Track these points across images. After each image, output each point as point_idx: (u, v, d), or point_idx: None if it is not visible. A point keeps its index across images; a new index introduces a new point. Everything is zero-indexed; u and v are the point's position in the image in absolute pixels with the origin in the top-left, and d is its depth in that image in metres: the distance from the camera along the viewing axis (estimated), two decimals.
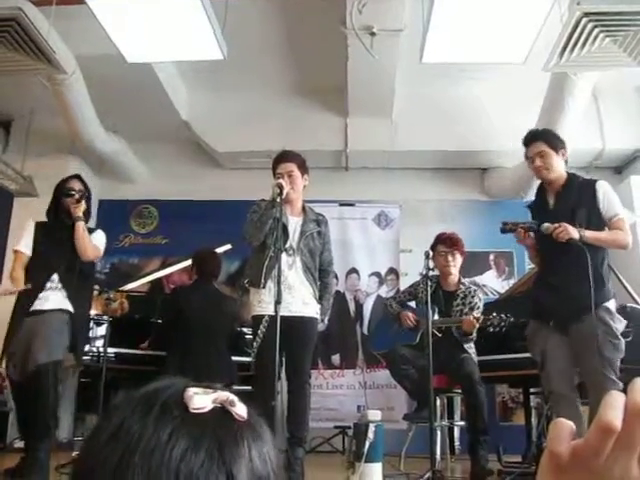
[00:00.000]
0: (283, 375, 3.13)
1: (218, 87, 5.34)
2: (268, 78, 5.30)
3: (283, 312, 2.79)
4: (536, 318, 2.86)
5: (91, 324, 4.26)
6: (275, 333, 2.69)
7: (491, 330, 3.41)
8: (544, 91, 4.37)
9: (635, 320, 2.96)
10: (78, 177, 3.36)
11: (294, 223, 3.22)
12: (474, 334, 3.55)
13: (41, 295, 3.05)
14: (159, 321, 4.28)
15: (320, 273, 3.29)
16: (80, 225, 3.16)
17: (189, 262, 4.31)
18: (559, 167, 2.86)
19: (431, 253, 3.46)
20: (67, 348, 3.04)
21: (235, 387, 3.68)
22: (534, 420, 3.89)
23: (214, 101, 5.46)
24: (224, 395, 0.49)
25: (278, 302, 2.72)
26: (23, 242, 3.20)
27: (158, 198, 5.99)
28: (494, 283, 5.67)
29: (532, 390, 3.93)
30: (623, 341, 2.65)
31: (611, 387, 2.50)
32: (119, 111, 5.14)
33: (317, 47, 4.68)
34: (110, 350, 4.01)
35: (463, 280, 3.85)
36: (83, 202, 3.19)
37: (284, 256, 3.03)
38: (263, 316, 3.00)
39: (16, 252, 3.20)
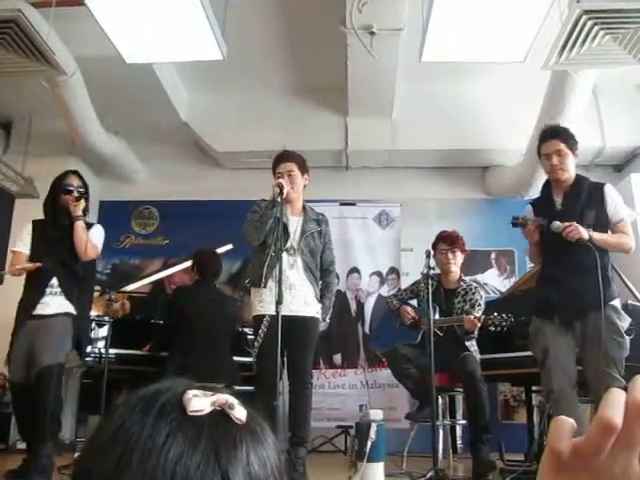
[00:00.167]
0: (285, 375, 3.13)
1: (218, 87, 5.34)
2: (268, 78, 5.30)
3: (284, 312, 2.80)
4: (540, 315, 2.85)
5: (92, 325, 4.27)
6: (276, 333, 2.69)
7: (492, 330, 3.41)
8: (544, 89, 4.36)
9: (636, 318, 2.96)
10: (76, 173, 3.29)
11: (295, 223, 3.22)
12: (476, 332, 3.55)
13: (42, 300, 3.03)
14: (161, 322, 4.28)
15: (322, 273, 3.30)
16: (79, 225, 3.11)
17: (190, 262, 4.31)
18: (572, 168, 2.87)
19: (432, 252, 3.46)
20: (70, 350, 3.04)
21: (237, 387, 3.68)
22: (536, 418, 3.88)
23: (214, 101, 5.46)
24: (223, 398, 0.49)
25: (279, 302, 2.73)
26: (21, 243, 3.16)
27: (159, 199, 5.99)
28: (495, 282, 5.66)
29: (534, 388, 3.92)
30: (628, 339, 2.67)
31: (614, 385, 2.51)
32: (119, 112, 5.15)
33: (317, 47, 4.68)
34: (112, 351, 4.02)
35: (464, 278, 3.85)
36: (82, 201, 3.16)
37: (285, 256, 3.03)
38: (264, 316, 3.00)
39: (14, 252, 3.17)
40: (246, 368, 4.03)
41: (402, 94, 5.06)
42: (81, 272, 3.17)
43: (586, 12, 3.04)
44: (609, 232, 2.80)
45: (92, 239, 3.19)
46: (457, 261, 3.80)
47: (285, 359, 3.08)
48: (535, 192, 4.26)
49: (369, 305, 5.41)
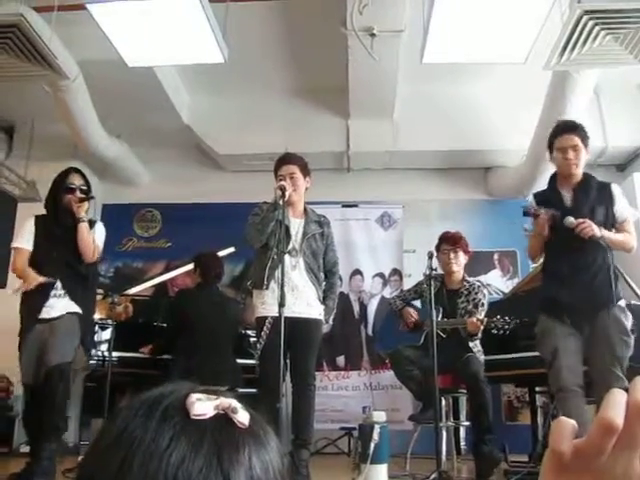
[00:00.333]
0: (288, 377, 3.13)
1: (219, 90, 5.35)
2: (269, 80, 5.31)
3: (287, 313, 2.80)
4: (548, 315, 2.83)
5: (96, 328, 4.28)
6: (279, 335, 2.69)
7: (494, 332, 3.42)
8: (545, 90, 4.36)
9: (638, 318, 2.96)
10: (79, 171, 3.24)
11: (296, 225, 3.23)
12: (479, 334, 3.54)
13: (47, 304, 3.02)
14: (164, 325, 4.28)
15: (325, 274, 3.31)
16: (84, 227, 3.08)
17: (192, 265, 4.32)
18: (583, 164, 2.87)
19: (435, 253, 3.46)
20: (77, 346, 3.03)
21: (240, 390, 3.68)
22: (540, 419, 3.88)
23: (216, 104, 5.47)
24: (227, 402, 0.49)
25: (282, 305, 2.73)
26: (23, 239, 3.11)
27: (161, 202, 6.00)
28: (498, 282, 5.65)
29: (538, 389, 3.92)
30: (633, 338, 2.69)
31: (617, 384, 2.52)
32: (121, 116, 5.16)
33: (318, 49, 4.68)
34: (115, 354, 4.02)
35: (467, 278, 3.85)
36: (86, 203, 3.13)
37: (287, 257, 3.04)
38: (267, 317, 3.00)
39: (17, 249, 3.11)
40: (249, 370, 4.03)
41: (403, 95, 5.06)
42: (84, 272, 3.16)
43: (587, 12, 3.04)
44: (613, 231, 2.82)
45: (95, 239, 3.16)
46: (459, 261, 3.79)
47: (288, 361, 3.09)
48: (547, 185, 4.24)
49: (372, 307, 5.41)
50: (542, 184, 4.88)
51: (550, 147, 2.93)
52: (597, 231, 2.66)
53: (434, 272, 3.37)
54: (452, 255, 3.78)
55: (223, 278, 4.34)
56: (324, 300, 3.24)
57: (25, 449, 3.72)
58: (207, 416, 0.47)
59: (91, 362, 4.10)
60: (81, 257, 3.10)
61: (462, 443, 4.37)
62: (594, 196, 2.83)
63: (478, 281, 3.92)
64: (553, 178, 3.00)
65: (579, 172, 2.86)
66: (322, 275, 3.28)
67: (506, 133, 5.28)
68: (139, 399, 0.50)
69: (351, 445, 4.66)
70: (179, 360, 3.75)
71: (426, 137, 5.41)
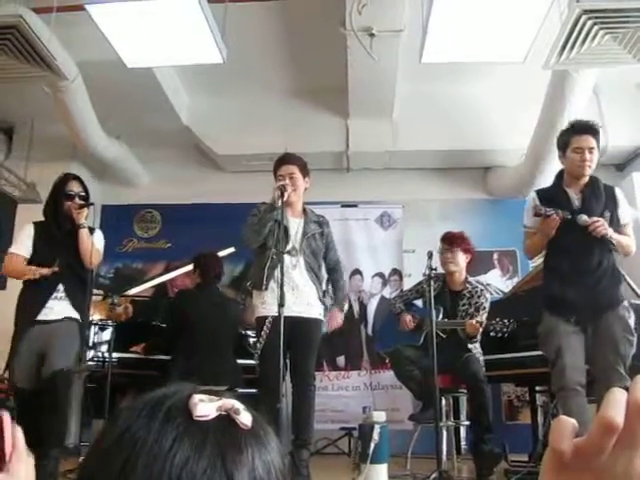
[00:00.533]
0: (288, 377, 3.13)
1: (218, 91, 5.35)
2: (268, 81, 5.31)
3: (287, 312, 2.81)
4: (553, 314, 2.84)
5: (96, 329, 4.28)
6: (279, 335, 2.69)
7: (492, 335, 3.42)
8: (545, 89, 4.36)
9: (638, 317, 2.97)
10: (77, 178, 3.26)
11: (295, 224, 3.24)
12: (478, 336, 3.54)
13: (47, 305, 3.00)
14: (163, 325, 4.28)
15: (329, 272, 3.36)
16: (85, 232, 3.10)
17: (192, 264, 4.31)
18: (595, 167, 2.89)
19: (434, 253, 3.46)
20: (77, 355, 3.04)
21: (240, 390, 3.68)
22: (540, 419, 3.88)
23: (215, 105, 5.47)
24: (229, 403, 0.49)
25: (281, 305, 2.73)
26: (21, 245, 3.10)
27: (161, 202, 6.00)
28: (498, 282, 5.65)
29: (538, 388, 3.92)
30: (636, 337, 2.72)
31: (620, 383, 2.54)
32: (120, 116, 5.16)
33: (317, 49, 4.68)
34: (115, 355, 4.02)
35: (470, 279, 3.83)
36: (86, 209, 3.13)
37: (287, 257, 3.04)
38: (267, 317, 3.01)
39: (10, 254, 3.09)
40: (249, 371, 4.03)
41: (402, 95, 5.06)
42: (85, 277, 3.17)
43: (586, 12, 3.04)
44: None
45: (96, 245, 3.17)
46: (457, 261, 3.77)
47: (288, 361, 3.09)
48: (552, 183, 4.24)
49: (372, 307, 5.41)
50: (542, 183, 4.90)
51: (563, 146, 2.91)
52: (609, 231, 2.70)
53: (436, 272, 3.37)
54: (449, 255, 3.78)
55: (223, 278, 4.34)
56: (334, 292, 3.27)
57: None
58: (210, 417, 0.47)
59: (91, 363, 4.11)
60: (82, 262, 3.10)
61: (462, 443, 4.37)
62: (602, 199, 2.86)
63: (480, 283, 3.91)
64: (559, 176, 3.00)
65: (589, 174, 2.88)
66: (323, 274, 3.29)
67: (505, 133, 5.28)
68: (141, 400, 0.50)
69: (351, 445, 4.66)
70: (179, 360, 3.75)
71: (425, 137, 5.41)
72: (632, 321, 2.74)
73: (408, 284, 4.90)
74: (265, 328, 3.00)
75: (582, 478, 0.37)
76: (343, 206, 5.60)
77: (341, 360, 5.29)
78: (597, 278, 2.76)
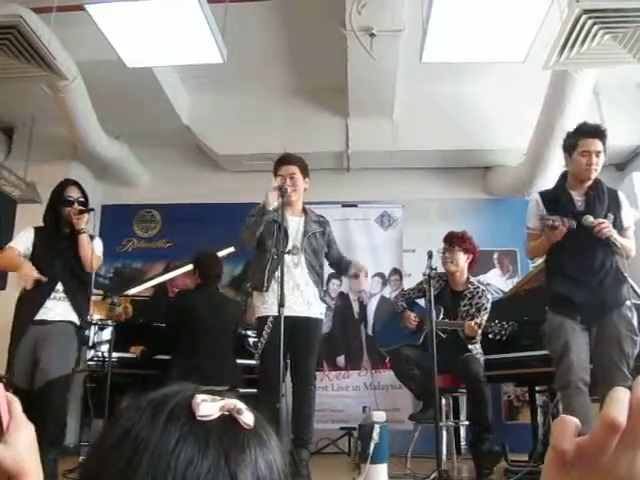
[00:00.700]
0: (288, 377, 3.13)
1: (219, 91, 5.35)
2: (268, 81, 5.31)
3: (287, 312, 2.81)
4: (558, 311, 2.85)
5: (95, 329, 4.27)
6: (279, 334, 2.70)
7: (490, 337, 3.42)
8: (545, 89, 4.36)
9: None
10: (76, 183, 3.27)
11: (295, 223, 3.24)
12: (478, 337, 3.54)
13: (45, 304, 3.00)
14: (163, 325, 4.28)
15: (335, 266, 3.41)
16: (85, 238, 3.11)
17: (192, 264, 4.31)
18: (600, 170, 2.89)
19: (434, 253, 3.46)
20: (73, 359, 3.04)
21: (240, 390, 3.68)
22: (540, 418, 3.88)
23: (215, 104, 5.47)
24: (232, 403, 0.49)
25: (281, 305, 2.74)
26: (20, 242, 3.09)
27: (161, 202, 6.00)
28: (498, 282, 5.65)
29: (538, 388, 3.92)
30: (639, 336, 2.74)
31: (622, 382, 2.55)
32: (120, 116, 5.16)
33: (317, 49, 4.68)
34: (115, 355, 4.02)
35: (472, 280, 3.83)
36: (85, 215, 3.13)
37: (288, 256, 3.05)
38: (268, 317, 3.01)
39: (8, 247, 3.08)
40: (249, 371, 4.03)
41: (402, 95, 5.07)
42: (86, 280, 3.19)
43: (586, 12, 3.04)
44: None
45: (96, 252, 3.18)
46: (456, 261, 3.76)
47: (289, 361, 3.09)
48: (536, 192, 4.24)
49: (372, 306, 5.40)
50: (542, 183, 4.92)
51: (570, 148, 2.91)
52: (614, 233, 2.72)
53: (437, 271, 3.37)
54: (448, 255, 3.77)
55: (223, 278, 4.34)
56: (347, 264, 3.41)
57: None
58: (213, 417, 0.47)
59: (90, 363, 4.11)
60: (79, 266, 3.11)
61: (462, 443, 4.37)
62: (606, 202, 2.88)
63: (481, 283, 3.90)
64: (563, 178, 3.00)
65: (594, 177, 2.89)
66: (324, 273, 3.30)
67: (505, 132, 5.28)
68: (143, 400, 0.50)
69: (351, 445, 4.65)
70: (178, 360, 3.74)
71: (425, 136, 5.41)
72: (636, 321, 2.76)
73: (408, 284, 4.90)
74: (266, 328, 3.00)
75: (584, 477, 0.37)
76: (343, 206, 5.60)
77: (341, 360, 5.29)
78: (600, 279, 2.78)
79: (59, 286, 3.06)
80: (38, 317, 2.98)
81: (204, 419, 0.47)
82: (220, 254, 4.53)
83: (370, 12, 3.69)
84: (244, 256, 5.21)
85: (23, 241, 3.12)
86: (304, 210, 3.34)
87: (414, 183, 5.87)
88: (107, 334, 4.23)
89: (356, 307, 5.42)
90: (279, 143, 4.77)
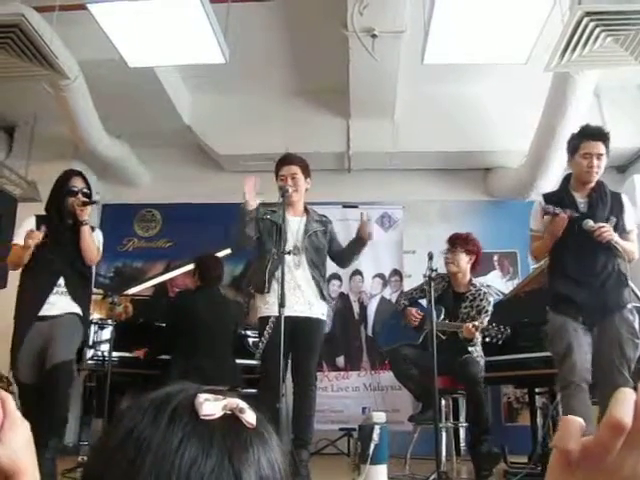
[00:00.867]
0: (288, 377, 3.13)
1: (220, 91, 5.35)
2: (270, 81, 5.31)
3: (289, 312, 2.82)
4: (560, 312, 2.85)
5: (96, 328, 4.27)
6: (280, 335, 2.70)
7: (487, 340, 3.43)
8: (546, 91, 4.36)
9: None
10: (80, 174, 3.23)
11: (296, 223, 3.25)
12: (477, 340, 3.54)
13: (48, 300, 2.99)
14: (163, 325, 4.28)
15: (337, 256, 3.40)
16: (87, 229, 3.09)
17: (192, 266, 4.31)
18: (602, 172, 2.89)
19: (434, 254, 3.45)
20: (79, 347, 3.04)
21: (241, 390, 3.68)
22: (540, 420, 3.87)
23: (216, 105, 5.47)
24: (234, 402, 0.49)
25: (282, 305, 2.74)
26: (23, 236, 3.03)
27: (161, 202, 6.00)
28: (498, 283, 5.65)
29: (538, 390, 3.92)
30: None
31: (623, 384, 2.54)
32: (122, 116, 5.16)
33: (319, 49, 4.68)
34: (115, 354, 4.02)
35: (474, 281, 3.82)
36: (89, 207, 3.11)
37: (288, 257, 3.05)
38: (269, 317, 3.01)
39: (17, 246, 3.03)
40: (249, 371, 4.03)
41: (404, 96, 5.07)
42: (87, 274, 3.17)
43: (588, 14, 3.04)
44: None
45: (96, 243, 3.17)
46: (458, 262, 3.75)
47: (290, 361, 3.09)
48: (537, 194, 4.25)
49: (372, 307, 5.41)
50: (542, 185, 4.92)
51: (572, 150, 2.91)
52: (615, 236, 2.72)
53: (438, 272, 3.37)
54: (450, 255, 3.77)
55: (223, 278, 4.33)
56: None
57: None
58: (215, 416, 0.47)
59: (90, 362, 4.11)
60: (83, 258, 3.10)
61: (462, 444, 4.37)
62: (608, 204, 2.87)
63: (484, 286, 3.89)
64: (566, 180, 3.01)
65: (596, 179, 2.89)
66: (326, 272, 3.30)
67: (506, 134, 5.28)
68: (145, 399, 0.50)
69: (351, 446, 4.65)
70: (178, 360, 3.74)
71: (427, 138, 5.41)
72: (637, 324, 2.76)
73: (408, 285, 4.90)
74: (267, 328, 3.00)
75: (589, 478, 0.37)
76: (344, 206, 5.60)
77: (341, 361, 5.29)
78: (602, 280, 2.79)
79: (61, 281, 3.04)
80: (42, 313, 2.97)
81: (207, 418, 0.47)
82: (217, 255, 4.52)
83: (372, 13, 3.69)
84: (244, 256, 5.21)
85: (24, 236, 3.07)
86: (306, 210, 3.34)
87: (415, 184, 5.87)
88: (107, 333, 4.23)
89: (356, 308, 5.42)
90: (280, 143, 4.76)
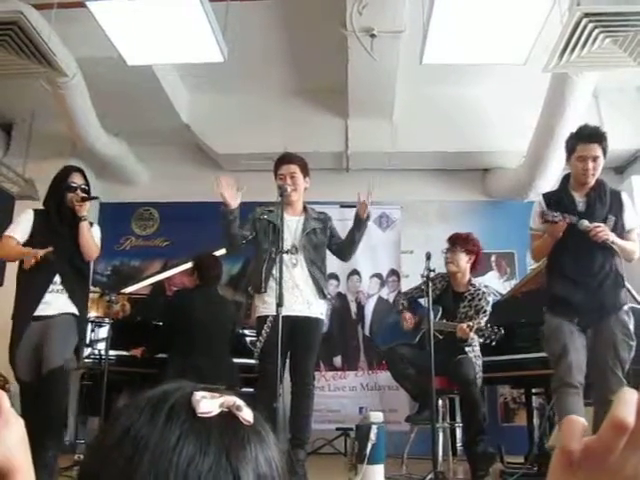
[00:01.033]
0: (286, 376, 3.13)
1: (219, 89, 5.34)
2: (268, 80, 5.31)
3: (287, 312, 2.81)
4: (557, 315, 2.85)
5: (93, 326, 4.27)
6: (278, 334, 2.70)
7: (481, 341, 3.43)
8: (545, 92, 4.37)
9: (637, 320, 2.98)
10: (80, 171, 3.21)
11: (295, 222, 3.24)
12: (474, 340, 3.54)
13: (44, 299, 2.96)
14: (161, 323, 4.28)
15: (339, 249, 3.39)
16: (85, 225, 3.07)
17: (190, 264, 4.30)
18: (599, 173, 2.88)
19: (432, 254, 3.46)
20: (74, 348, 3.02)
21: (238, 389, 3.68)
22: (536, 421, 3.88)
23: (215, 103, 5.47)
24: (231, 400, 0.49)
25: (280, 304, 2.73)
26: (18, 229, 3.03)
27: (159, 200, 6.00)
28: (496, 284, 5.64)
29: (534, 390, 3.93)
30: (635, 342, 2.74)
31: (617, 386, 2.55)
32: (120, 114, 5.15)
33: (317, 49, 4.68)
34: (112, 353, 4.01)
35: (473, 281, 3.82)
36: (87, 203, 3.09)
37: (287, 256, 3.05)
38: (267, 316, 3.01)
39: (5, 236, 3.02)
40: (246, 370, 4.03)
41: (402, 96, 5.07)
42: (85, 271, 3.16)
43: (587, 15, 3.05)
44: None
45: (95, 238, 3.15)
46: (457, 262, 3.75)
47: (288, 360, 3.09)
48: (536, 195, 4.25)
49: (369, 307, 5.41)
50: (541, 186, 4.93)
51: (569, 152, 2.91)
52: (611, 236, 2.71)
53: (435, 273, 3.38)
54: (449, 255, 3.78)
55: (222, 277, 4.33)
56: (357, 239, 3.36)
57: None
58: (212, 414, 0.47)
59: (87, 360, 4.10)
60: (82, 255, 3.08)
61: (458, 444, 4.37)
62: (607, 203, 2.87)
63: (483, 286, 3.89)
64: (565, 179, 3.01)
65: (594, 180, 2.89)
66: (326, 269, 3.29)
67: (505, 135, 5.29)
68: (142, 397, 0.50)
69: (347, 445, 4.66)
70: (175, 359, 3.74)
71: (425, 138, 5.41)
72: (632, 326, 2.76)
73: (406, 285, 4.91)
74: (265, 327, 3.00)
75: (591, 478, 0.37)
76: (342, 206, 5.59)
77: (338, 360, 5.29)
78: (599, 281, 2.78)
79: (57, 278, 3.01)
80: (38, 313, 2.95)
81: (204, 416, 0.47)
82: (216, 254, 4.52)
83: (371, 13, 3.69)
84: (242, 255, 5.21)
85: (21, 226, 3.06)
86: (304, 209, 3.34)
87: (413, 184, 5.87)
88: (104, 332, 4.22)
89: (354, 307, 5.42)
90: (278, 143, 4.76)
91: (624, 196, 2.94)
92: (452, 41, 3.42)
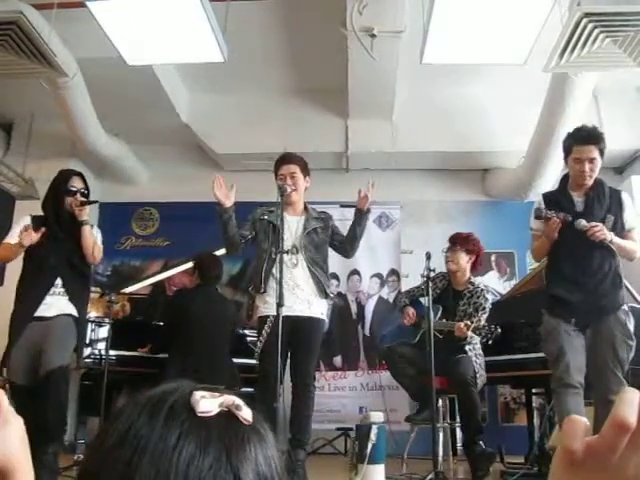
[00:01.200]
0: (286, 376, 3.13)
1: (219, 89, 5.34)
2: (268, 80, 5.31)
3: (288, 312, 2.81)
4: (555, 315, 2.84)
5: (92, 326, 4.26)
6: (279, 334, 2.70)
7: (478, 340, 3.42)
8: (545, 92, 4.37)
9: (637, 320, 2.98)
10: (79, 175, 3.20)
11: (295, 222, 3.24)
12: (473, 339, 3.54)
13: (45, 301, 2.96)
14: (161, 323, 4.27)
15: (342, 243, 3.36)
16: (87, 229, 3.07)
17: (190, 264, 4.30)
18: (597, 173, 2.87)
19: (432, 254, 3.46)
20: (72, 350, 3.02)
21: (238, 389, 3.68)
22: (536, 421, 3.88)
23: (215, 103, 5.47)
24: (230, 399, 0.49)
25: (280, 305, 2.73)
26: (15, 235, 2.99)
27: (159, 200, 5.99)
28: (495, 284, 5.65)
29: (534, 390, 3.93)
30: (635, 342, 2.73)
31: (617, 387, 2.55)
32: (120, 114, 5.15)
33: (317, 49, 4.68)
34: (112, 353, 4.01)
35: (473, 280, 3.82)
36: (87, 207, 3.09)
37: (287, 256, 3.04)
38: (268, 316, 3.01)
39: (6, 244, 3.01)
40: (247, 370, 4.03)
41: (402, 96, 5.07)
42: (86, 273, 3.15)
43: (587, 15, 3.05)
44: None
45: (97, 240, 3.14)
46: (457, 260, 3.76)
47: (289, 360, 3.09)
48: (535, 195, 4.25)
49: (369, 307, 5.41)
50: (540, 186, 4.93)
51: (566, 152, 2.91)
52: (608, 235, 2.69)
53: (435, 272, 3.38)
54: (450, 254, 3.79)
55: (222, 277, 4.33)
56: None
57: None
58: (212, 413, 0.47)
59: (87, 360, 4.10)
60: (83, 258, 3.07)
61: (458, 444, 4.37)
62: (606, 202, 2.86)
63: (484, 285, 3.90)
64: (564, 179, 3.01)
65: (592, 181, 2.88)
66: (328, 268, 3.29)
67: (505, 135, 5.29)
68: (142, 397, 0.50)
69: (347, 445, 4.66)
70: (175, 359, 3.74)
71: (425, 138, 5.41)
72: (632, 325, 2.75)
73: (406, 285, 4.91)
74: (266, 327, 3.00)
75: (593, 478, 0.37)
76: (342, 206, 5.59)
77: (338, 360, 5.29)
78: (598, 281, 2.77)
79: (58, 281, 3.01)
80: (38, 314, 2.94)
81: (204, 415, 0.47)
82: (216, 254, 4.52)
83: (371, 12, 3.69)
84: (242, 255, 5.19)
85: (18, 233, 3.02)
86: (305, 208, 3.34)
87: (413, 184, 5.87)
88: (104, 332, 4.22)
89: (354, 307, 5.42)
90: (278, 143, 4.76)
91: (624, 195, 2.93)
92: (452, 41, 3.42)
